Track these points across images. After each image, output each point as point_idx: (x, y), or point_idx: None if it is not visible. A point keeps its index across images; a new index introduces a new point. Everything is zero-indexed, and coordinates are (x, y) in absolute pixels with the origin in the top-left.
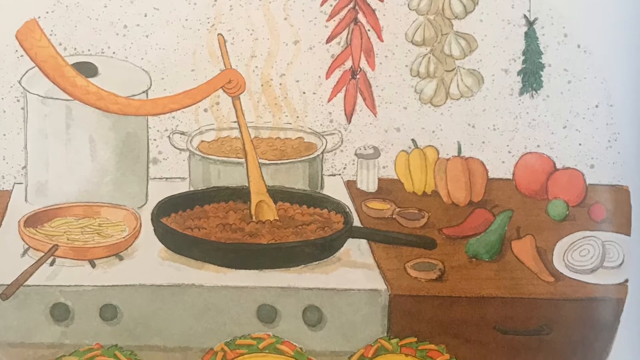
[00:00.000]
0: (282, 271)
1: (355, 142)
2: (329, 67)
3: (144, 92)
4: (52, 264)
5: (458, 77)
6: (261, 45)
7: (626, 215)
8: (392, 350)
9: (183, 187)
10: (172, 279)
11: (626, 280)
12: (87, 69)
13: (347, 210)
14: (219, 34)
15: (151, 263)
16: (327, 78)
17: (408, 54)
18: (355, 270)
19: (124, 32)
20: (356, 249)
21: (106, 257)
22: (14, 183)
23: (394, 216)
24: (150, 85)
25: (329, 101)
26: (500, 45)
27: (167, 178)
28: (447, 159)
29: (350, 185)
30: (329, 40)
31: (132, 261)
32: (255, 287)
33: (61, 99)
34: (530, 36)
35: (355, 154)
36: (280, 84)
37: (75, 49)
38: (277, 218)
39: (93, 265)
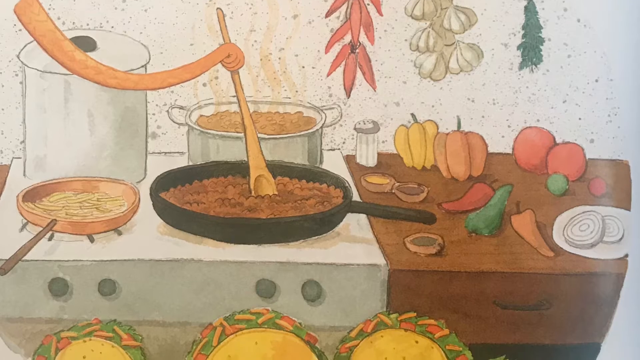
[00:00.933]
0: (281, 246)
1: (355, 117)
2: (328, 42)
3: (142, 66)
4: (50, 238)
5: (457, 51)
6: (260, 20)
7: (626, 190)
8: (391, 325)
9: (182, 162)
10: (170, 253)
11: (626, 255)
12: (86, 44)
13: (347, 184)
14: (217, 8)
15: (150, 238)
16: (326, 52)
17: (407, 28)
18: (355, 245)
19: (122, 6)
20: (355, 223)
21: (105, 231)
22: (13, 157)
23: (393, 191)
24: (149, 59)
25: (328, 75)
26: (499, 20)
27: (165, 153)
28: (447, 134)
29: (350, 159)
30: (328, 15)
31: (130, 236)
32: (254, 262)
33: (60, 74)
34: (530, 10)
35: (355, 129)
36: (279, 58)
37: (73, 23)
38: (276, 193)
39: (92, 240)
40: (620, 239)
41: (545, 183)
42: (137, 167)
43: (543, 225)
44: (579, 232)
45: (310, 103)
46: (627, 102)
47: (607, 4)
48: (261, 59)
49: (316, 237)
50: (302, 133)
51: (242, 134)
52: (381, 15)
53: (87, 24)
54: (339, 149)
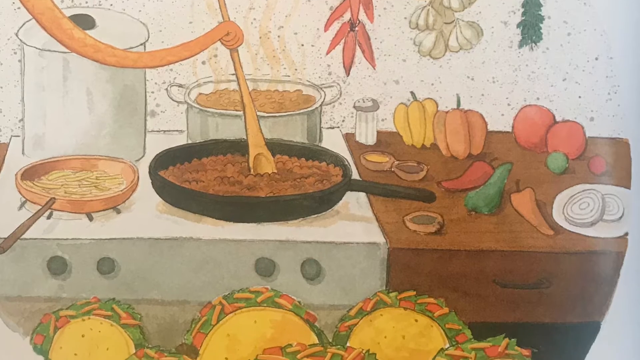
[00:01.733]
0: (280, 224)
1: (354, 95)
2: (328, 20)
3: (141, 44)
4: (49, 217)
5: (457, 29)
6: None
7: (626, 168)
8: (390, 304)
9: (181, 140)
10: (169, 232)
11: (626, 234)
12: (85, 21)
13: (346, 163)
14: None
15: (149, 216)
16: (325, 30)
17: (407, 6)
18: (354, 223)
19: None
20: (355, 202)
21: (104, 210)
22: (11, 136)
23: (392, 169)
24: (148, 37)
25: (327, 53)
26: None
27: (164, 131)
28: (446, 112)
29: (349, 138)
30: None
31: (129, 214)
32: (253, 240)
33: (58, 52)
34: None
35: (354, 107)
36: (278, 36)
37: (72, 1)
38: (275, 171)
39: (90, 219)
40: (620, 217)
41: (545, 161)
42: (136, 146)
43: (543, 204)
44: (579, 210)
45: (309, 81)
46: (627, 80)
47: None
48: (260, 37)
49: (315, 215)
50: (302, 111)
51: (241, 112)
52: None
53: (86, 2)
54: (338, 127)
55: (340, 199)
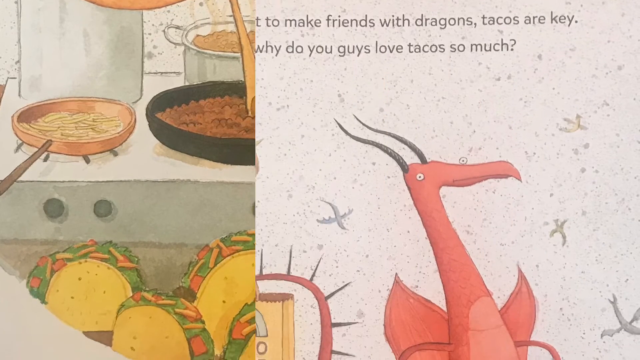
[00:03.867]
0: None
1: None
2: None
3: None
4: (46, 159)
5: None
6: None
7: None
8: None
9: (178, 82)
10: (167, 174)
11: None
12: None
13: None
14: None
15: (146, 158)
16: None
17: None
18: None
19: None
20: None
21: (100, 152)
22: (8, 78)
23: None
24: None
25: None
26: None
27: (162, 73)
28: None
29: None
30: None
31: (126, 157)
32: (251, 182)
33: None
34: None
35: None
36: None
37: None
38: None
39: (87, 161)
40: None
41: None
42: (133, 87)
43: None
44: None
45: None
46: None
47: None
48: None
49: None
50: None
51: (238, 54)
52: None
53: None
54: None
55: None
